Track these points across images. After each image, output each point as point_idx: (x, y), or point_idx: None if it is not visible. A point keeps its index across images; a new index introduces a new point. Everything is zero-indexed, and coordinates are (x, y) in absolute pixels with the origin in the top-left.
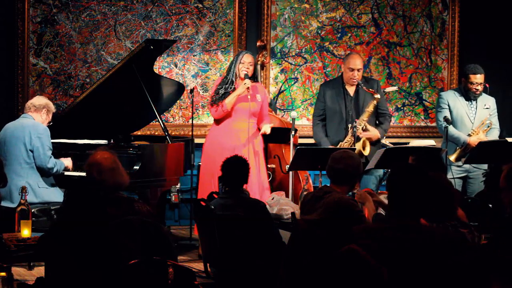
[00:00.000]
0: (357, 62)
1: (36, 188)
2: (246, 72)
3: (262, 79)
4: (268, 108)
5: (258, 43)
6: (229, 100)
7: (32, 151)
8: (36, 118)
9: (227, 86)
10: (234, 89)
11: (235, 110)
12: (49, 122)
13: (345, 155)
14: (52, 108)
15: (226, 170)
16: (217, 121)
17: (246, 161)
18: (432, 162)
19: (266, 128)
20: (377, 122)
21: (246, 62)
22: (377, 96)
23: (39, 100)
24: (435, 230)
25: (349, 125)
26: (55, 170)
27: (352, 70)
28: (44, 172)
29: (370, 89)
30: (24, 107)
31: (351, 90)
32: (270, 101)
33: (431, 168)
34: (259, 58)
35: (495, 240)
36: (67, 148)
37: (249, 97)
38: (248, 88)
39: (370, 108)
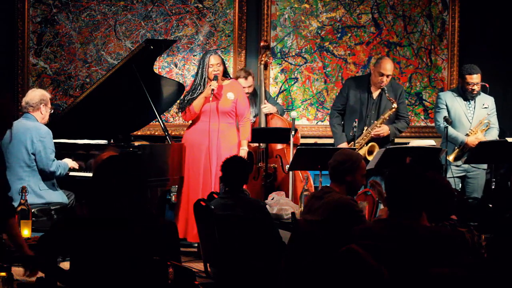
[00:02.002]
0: (388, 67)
1: (38, 191)
2: (215, 74)
3: (263, 79)
4: (274, 111)
5: (261, 43)
6: (196, 103)
7: (34, 154)
8: (37, 116)
9: (194, 91)
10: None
11: (202, 111)
12: (50, 110)
13: (348, 156)
14: (48, 97)
15: (226, 170)
16: (190, 123)
17: (245, 161)
18: (429, 162)
19: (242, 153)
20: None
21: (214, 64)
22: (395, 105)
23: (33, 97)
24: (433, 229)
25: (365, 127)
26: (58, 173)
27: (382, 75)
28: (47, 175)
29: (391, 98)
30: (22, 105)
31: (375, 93)
32: (273, 102)
33: (428, 168)
34: (263, 58)
35: (495, 240)
36: (67, 148)
37: (211, 98)
38: (213, 89)
39: (386, 116)
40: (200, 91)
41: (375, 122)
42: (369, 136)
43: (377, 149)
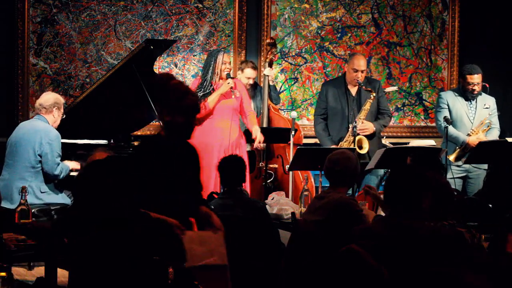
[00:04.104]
0: (361, 63)
1: (38, 193)
2: (228, 72)
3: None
4: (271, 102)
5: (267, 40)
6: (211, 99)
7: (40, 156)
8: (49, 118)
9: (205, 88)
10: (213, 89)
11: (216, 108)
12: (62, 115)
13: (343, 156)
14: (62, 101)
15: (223, 170)
16: (198, 121)
17: (243, 160)
18: (429, 162)
19: (257, 134)
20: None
21: (227, 62)
22: (374, 94)
23: (47, 100)
24: (433, 229)
25: (350, 125)
26: (61, 176)
27: (356, 71)
28: (50, 178)
29: (368, 88)
30: (35, 106)
31: (353, 90)
32: (272, 91)
33: (428, 168)
34: (268, 56)
35: (495, 240)
36: (67, 148)
37: (233, 96)
38: (231, 87)
39: (367, 107)
40: (211, 88)
41: (358, 116)
42: (354, 131)
43: (365, 141)
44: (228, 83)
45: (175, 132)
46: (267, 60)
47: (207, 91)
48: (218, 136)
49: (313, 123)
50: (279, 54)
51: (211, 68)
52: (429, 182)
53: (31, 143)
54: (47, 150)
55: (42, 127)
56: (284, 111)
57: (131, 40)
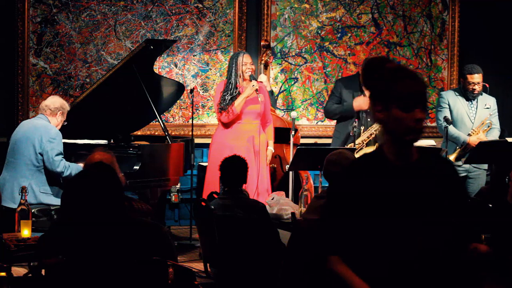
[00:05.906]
0: None
1: (38, 193)
2: (251, 73)
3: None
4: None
5: (262, 42)
6: (238, 103)
7: (41, 155)
8: (52, 120)
9: (232, 91)
10: (239, 92)
11: (244, 112)
12: (63, 122)
13: (340, 157)
14: (67, 107)
15: (224, 170)
16: (226, 125)
17: (244, 161)
18: None
19: (269, 155)
20: None
21: (248, 63)
22: None
23: (54, 102)
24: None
25: (362, 127)
26: (67, 173)
27: None
28: (55, 175)
29: None
30: (39, 107)
31: (367, 91)
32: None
33: None
34: (263, 58)
35: (495, 240)
36: (66, 148)
37: (260, 99)
38: (256, 90)
39: None
40: (237, 91)
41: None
42: (372, 136)
43: None
44: (253, 85)
45: (395, 132)
46: (262, 62)
47: (234, 94)
48: (245, 140)
49: (313, 123)
50: (279, 54)
51: (233, 70)
52: None
53: (31, 141)
54: (47, 148)
55: (43, 125)
56: (284, 111)
57: (131, 40)
